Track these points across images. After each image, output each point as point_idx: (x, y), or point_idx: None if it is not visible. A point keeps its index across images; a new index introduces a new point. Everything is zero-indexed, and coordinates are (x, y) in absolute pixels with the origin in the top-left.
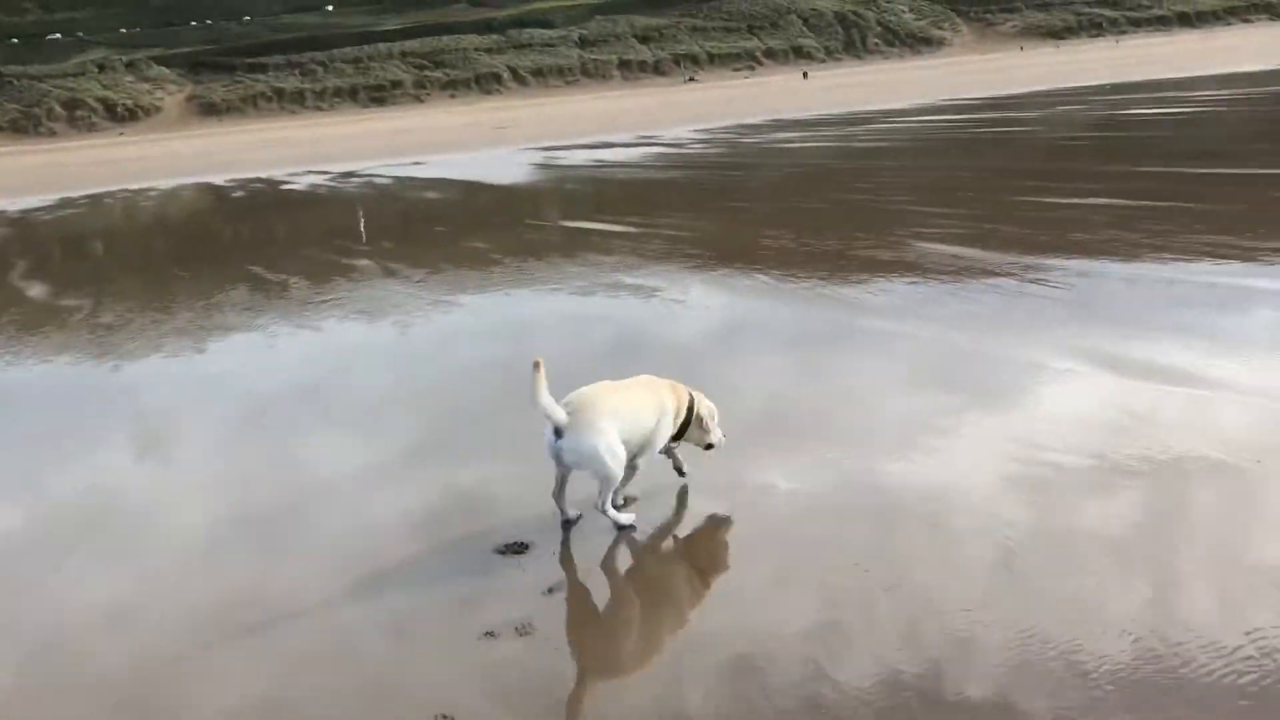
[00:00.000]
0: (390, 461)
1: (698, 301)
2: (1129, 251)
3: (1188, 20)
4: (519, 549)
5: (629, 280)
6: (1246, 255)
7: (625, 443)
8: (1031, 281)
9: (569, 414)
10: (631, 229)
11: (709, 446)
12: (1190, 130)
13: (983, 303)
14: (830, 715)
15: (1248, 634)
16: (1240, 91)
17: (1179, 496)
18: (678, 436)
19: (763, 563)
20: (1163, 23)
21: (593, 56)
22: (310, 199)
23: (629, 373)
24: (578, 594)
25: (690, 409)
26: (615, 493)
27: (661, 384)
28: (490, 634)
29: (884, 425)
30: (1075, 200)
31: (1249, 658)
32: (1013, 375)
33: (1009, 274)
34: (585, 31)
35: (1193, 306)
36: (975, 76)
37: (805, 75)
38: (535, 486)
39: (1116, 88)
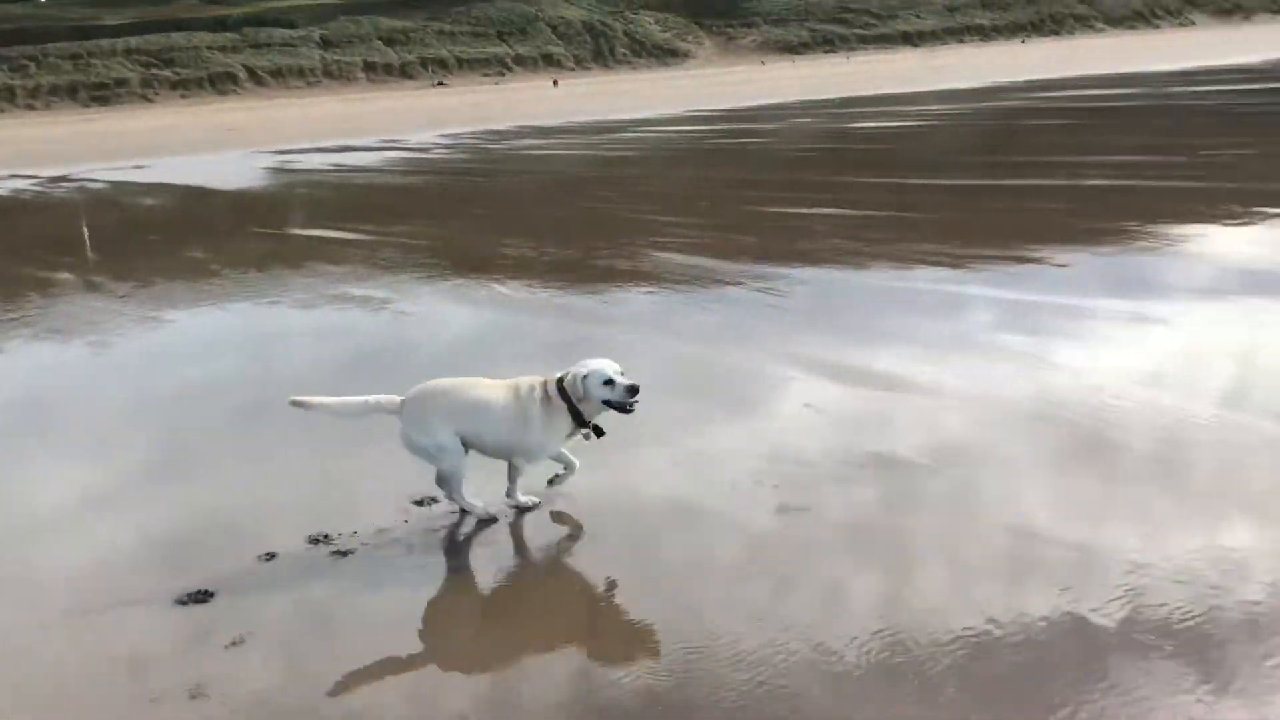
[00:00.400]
0: (66, 500)
1: (428, 313)
2: (850, 260)
3: (910, 39)
4: (202, 598)
5: (357, 291)
6: (957, 263)
7: (477, 438)
8: (760, 290)
9: (404, 401)
10: (365, 237)
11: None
12: (910, 143)
13: (714, 312)
14: None
15: (967, 620)
16: (954, 107)
17: (895, 497)
18: (580, 422)
19: (511, 582)
20: (888, 40)
21: (336, 58)
22: (10, 206)
23: (347, 393)
24: (263, 648)
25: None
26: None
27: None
28: (156, 700)
29: (624, 437)
30: (804, 210)
31: (970, 640)
32: (741, 384)
33: (739, 283)
34: (327, 32)
35: (908, 313)
36: (718, 88)
37: (555, 83)
38: (225, 528)
39: (846, 101)
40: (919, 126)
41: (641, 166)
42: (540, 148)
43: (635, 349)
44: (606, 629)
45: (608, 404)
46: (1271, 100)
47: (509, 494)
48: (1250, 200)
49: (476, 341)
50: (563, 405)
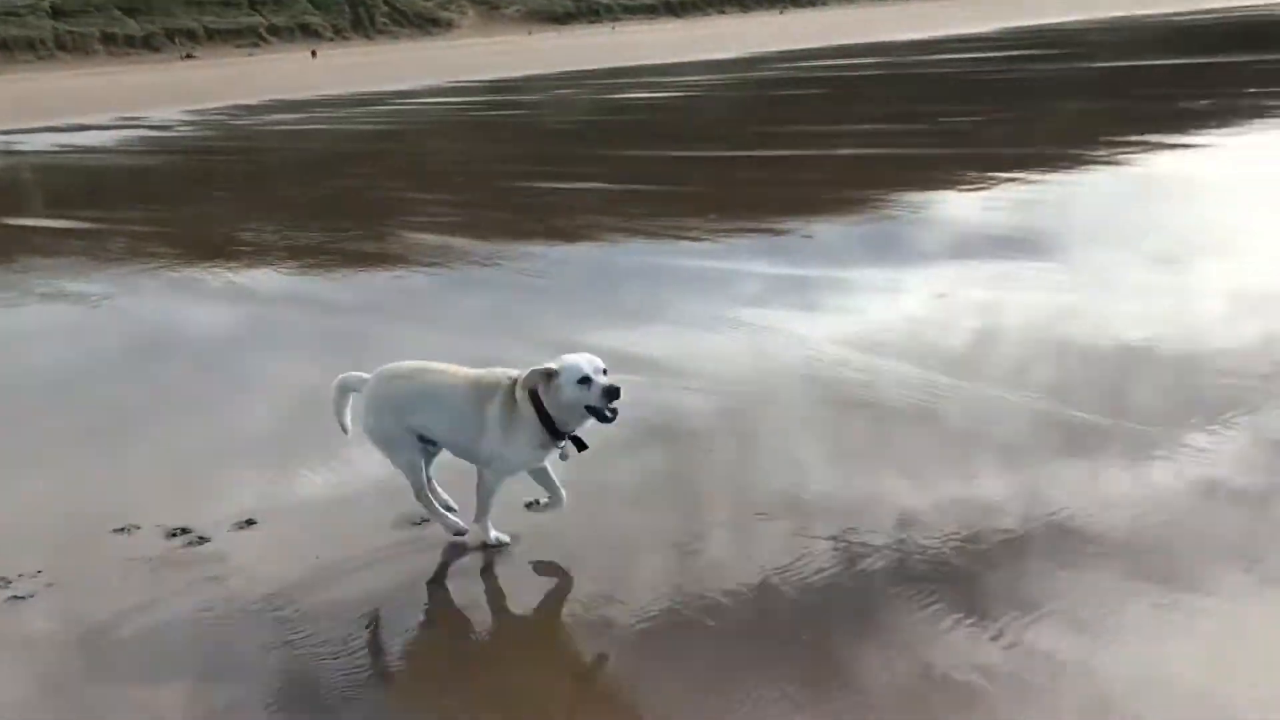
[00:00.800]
0: None
1: (151, 310)
2: (609, 237)
3: (673, 9)
4: None
5: (72, 288)
6: (713, 237)
7: (435, 433)
8: (516, 272)
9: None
10: (91, 225)
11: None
12: (672, 114)
13: (466, 296)
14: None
15: (750, 576)
16: (716, 77)
17: (669, 473)
18: (554, 433)
19: (211, 618)
20: (652, 10)
21: (69, 28)
22: None
23: (37, 411)
24: None
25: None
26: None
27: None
28: None
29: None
30: (563, 185)
31: (754, 593)
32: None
33: (494, 264)
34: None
35: (663, 290)
36: (483, 59)
37: (314, 54)
38: None
39: (611, 72)
40: (681, 98)
41: (398, 141)
42: (293, 123)
43: (382, 341)
44: (394, 602)
45: (589, 410)
46: (1001, 68)
47: (477, 518)
48: (985, 165)
49: (202, 340)
50: (530, 411)
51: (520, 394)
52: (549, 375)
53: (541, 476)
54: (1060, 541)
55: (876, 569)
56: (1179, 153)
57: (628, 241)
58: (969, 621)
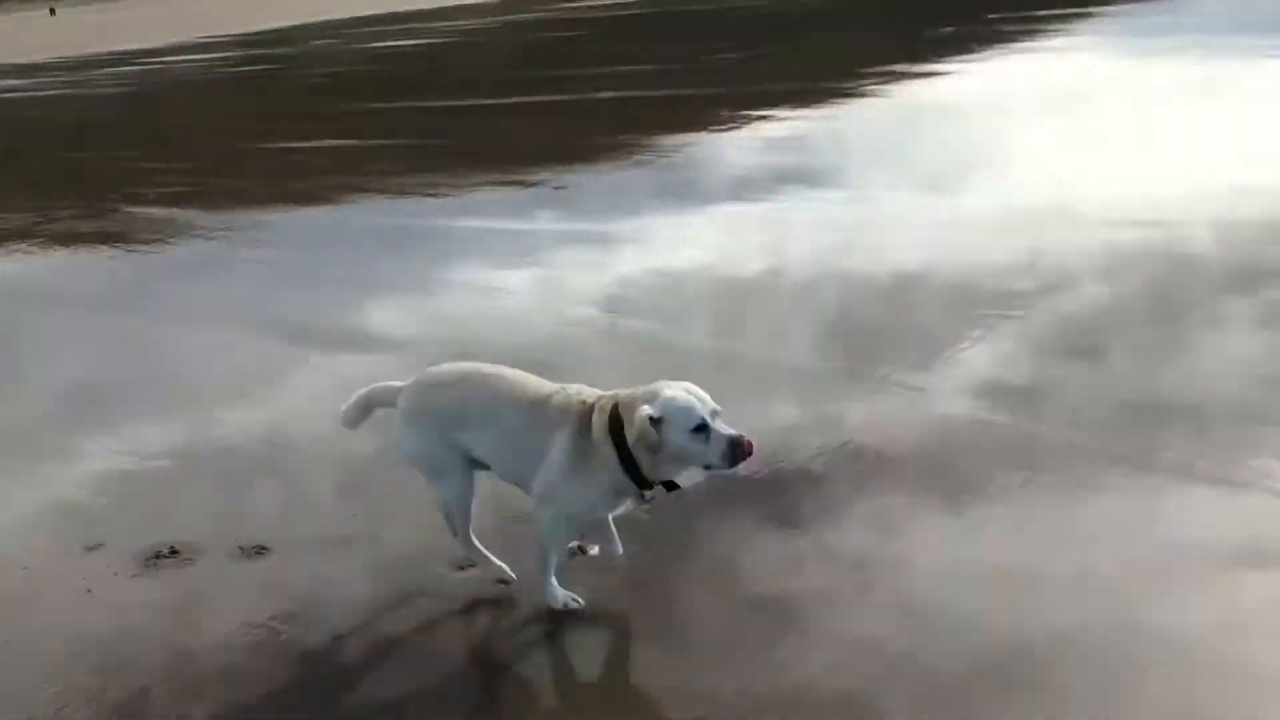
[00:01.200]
0: None
1: None
2: (349, 197)
3: None
4: None
5: None
6: (459, 192)
7: (485, 457)
8: (247, 244)
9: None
10: None
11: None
12: (427, 63)
13: (190, 275)
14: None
15: None
16: (475, 22)
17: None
18: (632, 472)
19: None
20: None
21: None
22: None
23: None
24: None
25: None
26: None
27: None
28: None
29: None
30: (306, 144)
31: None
32: (208, 369)
33: (223, 236)
34: None
35: (400, 255)
36: (242, 11)
37: (52, 12)
38: None
39: (367, 20)
40: (440, 44)
41: (134, 105)
42: (17, 90)
43: (92, 336)
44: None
45: (705, 467)
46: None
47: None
48: (738, 104)
49: None
50: (610, 451)
51: (599, 429)
52: (659, 423)
53: (599, 524)
54: (851, 467)
55: (687, 503)
56: (927, 81)
57: (371, 202)
58: (778, 544)
